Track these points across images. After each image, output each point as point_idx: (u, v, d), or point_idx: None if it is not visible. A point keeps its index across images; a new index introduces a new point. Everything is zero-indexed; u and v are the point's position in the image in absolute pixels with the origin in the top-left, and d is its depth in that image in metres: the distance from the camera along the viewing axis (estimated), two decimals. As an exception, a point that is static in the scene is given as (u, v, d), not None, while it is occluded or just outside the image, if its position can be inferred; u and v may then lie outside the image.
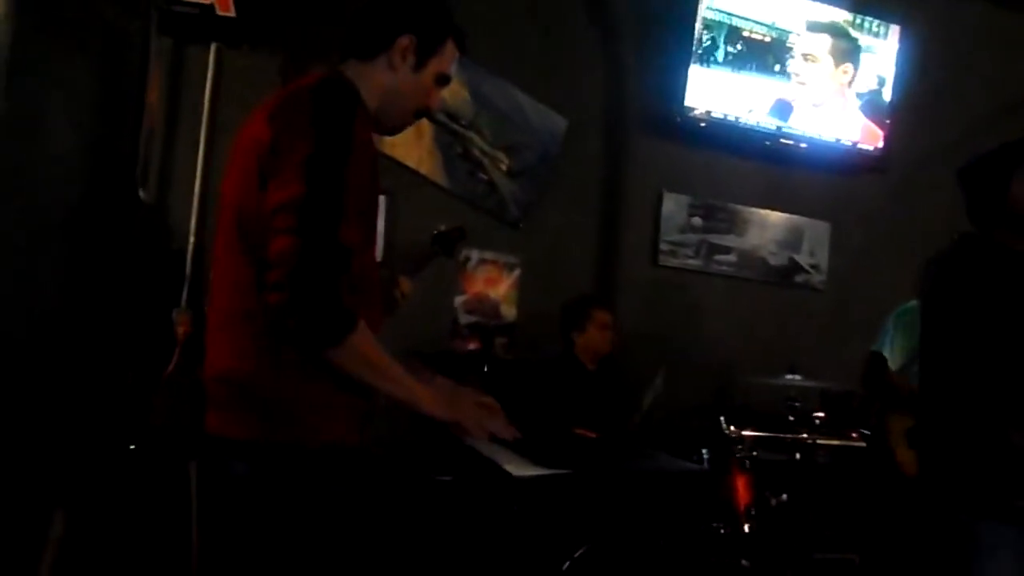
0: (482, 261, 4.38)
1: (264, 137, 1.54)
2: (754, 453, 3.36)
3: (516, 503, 2.78)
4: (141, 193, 2.35)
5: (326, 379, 1.55)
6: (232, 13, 3.74)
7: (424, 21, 1.75)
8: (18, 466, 1.68)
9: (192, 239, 3.85)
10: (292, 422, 1.55)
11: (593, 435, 2.61)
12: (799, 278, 5.02)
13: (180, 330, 3.63)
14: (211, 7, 3.73)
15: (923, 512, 2.23)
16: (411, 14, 1.75)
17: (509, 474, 1.45)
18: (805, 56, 4.73)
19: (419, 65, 1.75)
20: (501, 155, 4.40)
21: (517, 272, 4.45)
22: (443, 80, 1.81)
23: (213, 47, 3.91)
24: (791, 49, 4.71)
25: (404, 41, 1.73)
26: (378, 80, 1.73)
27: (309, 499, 1.54)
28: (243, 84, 3.95)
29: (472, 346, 4.31)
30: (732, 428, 3.39)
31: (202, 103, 3.90)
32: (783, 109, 4.72)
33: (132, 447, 2.99)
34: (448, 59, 1.80)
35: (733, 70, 4.60)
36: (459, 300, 4.35)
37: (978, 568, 2.04)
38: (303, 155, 1.48)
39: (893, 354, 3.86)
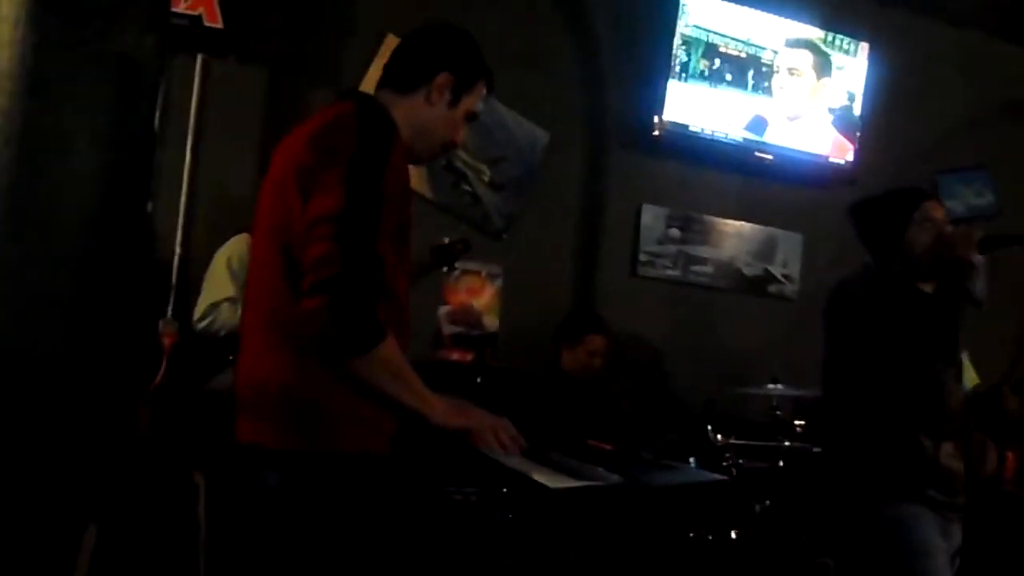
0: (465, 272, 4.41)
1: (305, 156, 1.60)
2: (740, 461, 3.43)
3: (513, 510, 2.82)
4: (148, 206, 2.36)
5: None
6: (219, 24, 3.76)
7: (462, 61, 1.84)
8: (45, 480, 1.70)
9: (178, 249, 3.83)
10: (329, 432, 1.58)
11: (609, 447, 2.67)
12: (772, 288, 5.12)
13: (167, 341, 3.60)
14: (199, 18, 3.74)
15: (847, 502, 2.43)
16: (451, 53, 1.84)
17: (544, 486, 1.49)
18: (791, 70, 4.85)
19: (454, 102, 1.82)
20: (484, 167, 4.45)
21: (499, 282, 4.50)
22: (472, 117, 1.89)
23: (200, 57, 3.90)
24: (771, 63, 4.82)
25: (443, 78, 1.80)
26: (413, 112, 1.79)
27: (344, 509, 1.57)
28: (229, 95, 3.97)
29: (455, 356, 4.34)
30: (719, 437, 3.47)
31: (188, 113, 3.90)
32: (758, 124, 4.82)
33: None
34: (477, 98, 1.87)
35: (710, 85, 4.70)
36: (442, 310, 4.38)
37: (910, 540, 2.25)
38: (343, 170, 1.54)
39: None
